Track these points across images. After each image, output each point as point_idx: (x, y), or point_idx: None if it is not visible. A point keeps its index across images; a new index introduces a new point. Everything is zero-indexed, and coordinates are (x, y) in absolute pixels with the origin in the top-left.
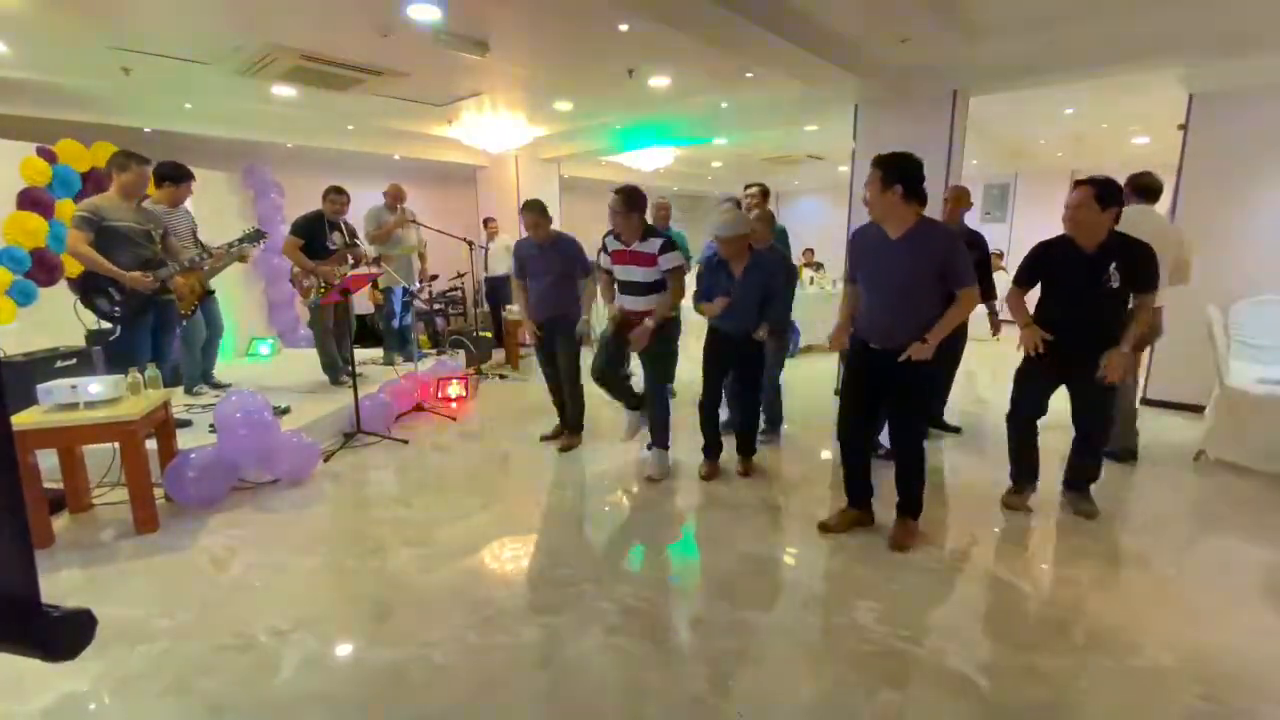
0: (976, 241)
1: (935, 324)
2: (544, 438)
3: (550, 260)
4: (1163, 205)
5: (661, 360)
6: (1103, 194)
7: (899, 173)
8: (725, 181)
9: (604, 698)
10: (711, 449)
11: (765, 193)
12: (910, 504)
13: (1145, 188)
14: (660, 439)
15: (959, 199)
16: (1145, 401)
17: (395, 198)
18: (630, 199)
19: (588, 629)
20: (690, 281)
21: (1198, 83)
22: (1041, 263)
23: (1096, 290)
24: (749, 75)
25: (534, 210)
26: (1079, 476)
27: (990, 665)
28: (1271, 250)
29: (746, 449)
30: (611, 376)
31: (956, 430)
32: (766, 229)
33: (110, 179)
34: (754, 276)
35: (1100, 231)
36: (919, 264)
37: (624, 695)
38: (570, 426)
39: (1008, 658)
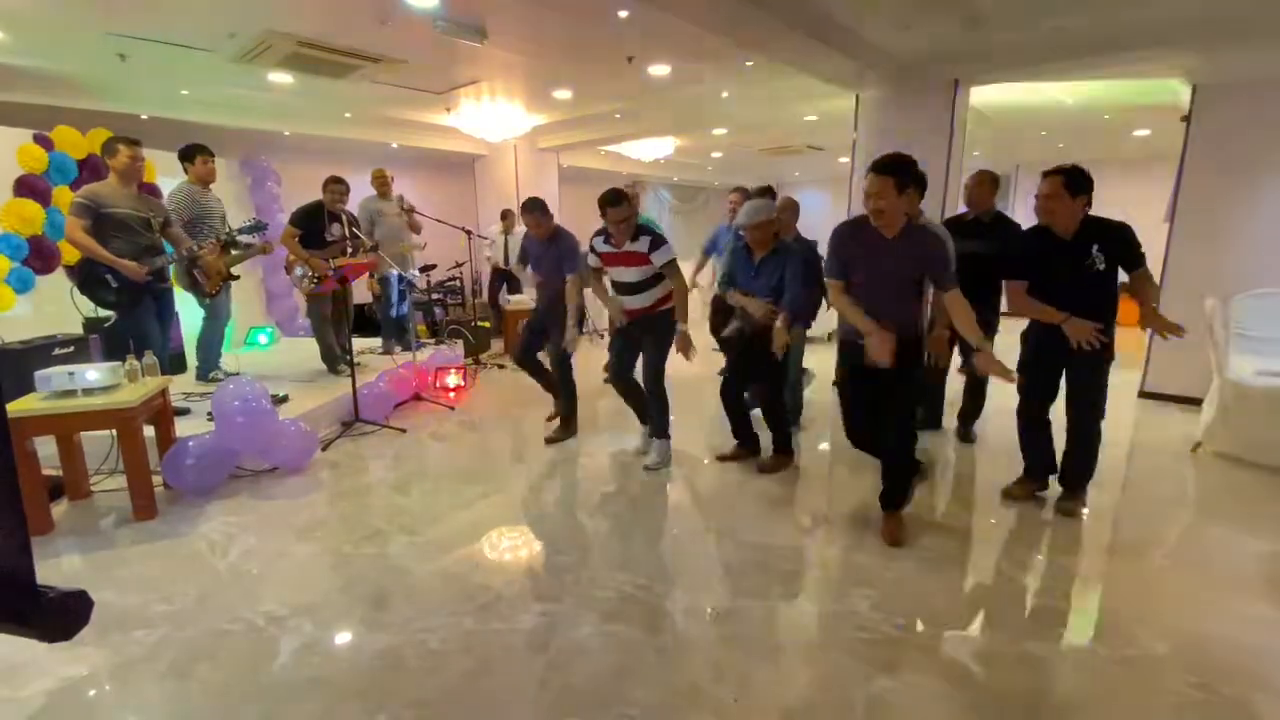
0: (1012, 227)
1: (923, 321)
2: (550, 427)
3: (551, 255)
4: (1162, 197)
5: (658, 355)
6: (1071, 182)
7: (913, 175)
8: (724, 172)
9: (600, 684)
10: (737, 433)
11: (745, 192)
12: (899, 499)
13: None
14: (660, 428)
15: (983, 181)
16: (1143, 394)
17: (384, 183)
18: (628, 201)
19: (584, 616)
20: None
21: (1202, 74)
22: (1030, 255)
23: (1082, 275)
24: (749, 64)
25: (534, 210)
26: (1074, 475)
27: (985, 653)
28: (1272, 244)
29: (777, 444)
30: (631, 382)
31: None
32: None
33: (107, 167)
34: (770, 265)
35: (1075, 218)
36: (914, 263)
37: (620, 681)
38: (561, 414)
39: (1002, 645)
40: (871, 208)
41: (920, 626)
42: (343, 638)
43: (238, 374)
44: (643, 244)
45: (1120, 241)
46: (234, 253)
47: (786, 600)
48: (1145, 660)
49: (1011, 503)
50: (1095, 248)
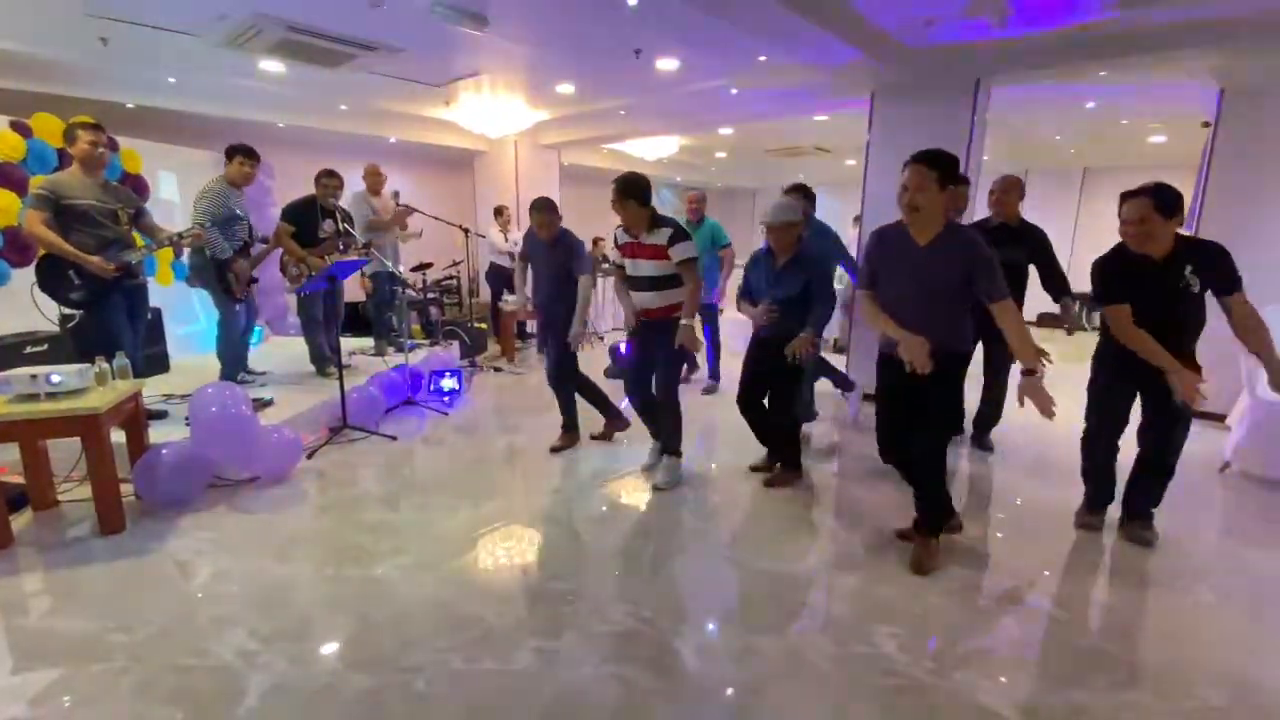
0: (1038, 234)
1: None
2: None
3: (553, 256)
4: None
5: (669, 364)
6: (1163, 203)
7: (955, 171)
8: (729, 173)
9: None
10: (767, 446)
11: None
12: (932, 522)
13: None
14: (672, 444)
15: (1013, 187)
16: None
17: (377, 179)
18: (626, 187)
19: (585, 654)
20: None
21: (1231, 76)
22: (1121, 278)
23: (1175, 297)
24: (761, 59)
25: (544, 210)
26: (1144, 501)
27: (1028, 703)
28: None
29: (786, 459)
30: (648, 396)
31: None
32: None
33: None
34: (790, 276)
35: (1168, 240)
36: (947, 274)
37: None
38: (564, 425)
39: (1046, 694)
40: (907, 202)
41: (953, 670)
42: (318, 677)
43: (266, 372)
44: (661, 236)
45: (1215, 261)
46: (253, 254)
47: (805, 638)
48: (1203, 712)
49: (1088, 532)
50: (1189, 269)
